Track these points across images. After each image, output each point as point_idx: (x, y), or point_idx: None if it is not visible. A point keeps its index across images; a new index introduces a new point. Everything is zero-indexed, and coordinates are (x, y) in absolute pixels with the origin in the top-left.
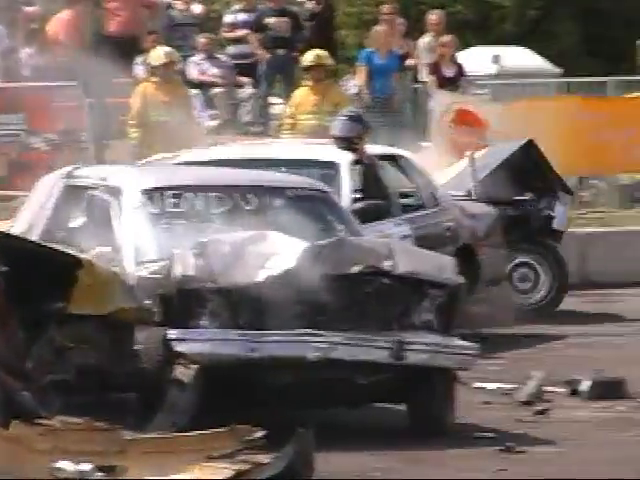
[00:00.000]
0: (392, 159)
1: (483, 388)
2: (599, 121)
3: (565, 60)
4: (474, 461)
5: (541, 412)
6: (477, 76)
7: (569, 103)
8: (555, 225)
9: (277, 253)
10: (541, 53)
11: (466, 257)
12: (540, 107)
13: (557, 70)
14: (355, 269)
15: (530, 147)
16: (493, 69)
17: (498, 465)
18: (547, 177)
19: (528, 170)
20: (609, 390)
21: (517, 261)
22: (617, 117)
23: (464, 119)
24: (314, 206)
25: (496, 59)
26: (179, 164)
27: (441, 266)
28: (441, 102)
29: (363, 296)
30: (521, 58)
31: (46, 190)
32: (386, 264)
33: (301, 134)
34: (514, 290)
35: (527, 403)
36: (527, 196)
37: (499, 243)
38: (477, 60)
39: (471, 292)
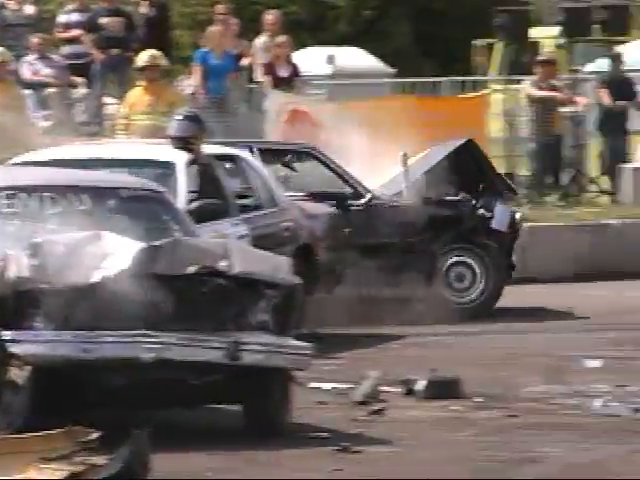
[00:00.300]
0: (230, 159)
1: (319, 388)
2: (433, 121)
3: (399, 60)
4: (310, 461)
5: (376, 412)
6: (312, 76)
7: (404, 103)
8: (494, 225)
9: (112, 254)
10: (376, 53)
11: (305, 257)
12: (375, 107)
13: (391, 70)
14: (190, 269)
15: (470, 147)
16: (328, 69)
17: (334, 465)
18: (488, 176)
19: (467, 170)
20: (444, 390)
21: (454, 260)
22: (451, 117)
23: (298, 119)
24: (149, 206)
25: (331, 59)
26: (15, 164)
27: (277, 266)
28: (276, 102)
29: (199, 296)
30: (356, 58)
31: None
32: (221, 264)
33: (136, 134)
34: (451, 289)
35: (363, 403)
36: (460, 196)
37: (339, 243)
38: (312, 60)
39: (310, 292)
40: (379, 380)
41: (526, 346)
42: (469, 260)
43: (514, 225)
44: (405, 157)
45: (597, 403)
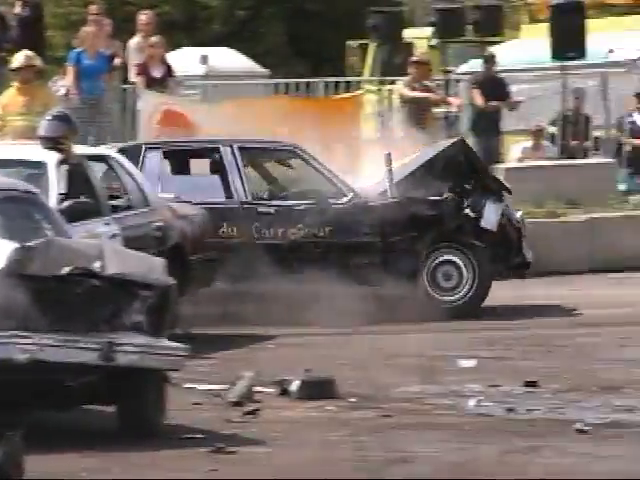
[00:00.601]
0: (102, 159)
1: (194, 389)
2: (307, 121)
3: (273, 60)
4: (185, 462)
5: (251, 412)
6: (186, 76)
7: (277, 103)
8: (483, 224)
9: None
10: (249, 53)
11: (177, 258)
12: (249, 107)
13: (265, 70)
14: (64, 270)
15: (461, 147)
16: (201, 70)
17: (209, 466)
18: (480, 176)
19: (459, 170)
20: (318, 390)
21: (442, 259)
22: (325, 117)
23: (171, 119)
24: (22, 207)
25: (204, 60)
26: None
27: (151, 267)
28: (149, 102)
29: (72, 297)
30: (229, 59)
31: None
32: (95, 265)
33: (10, 135)
34: (437, 288)
35: (237, 404)
36: (445, 196)
37: (210, 244)
38: (186, 60)
39: (182, 292)
40: (253, 381)
41: (401, 347)
42: (456, 259)
43: (516, 223)
44: (389, 156)
45: (471, 403)
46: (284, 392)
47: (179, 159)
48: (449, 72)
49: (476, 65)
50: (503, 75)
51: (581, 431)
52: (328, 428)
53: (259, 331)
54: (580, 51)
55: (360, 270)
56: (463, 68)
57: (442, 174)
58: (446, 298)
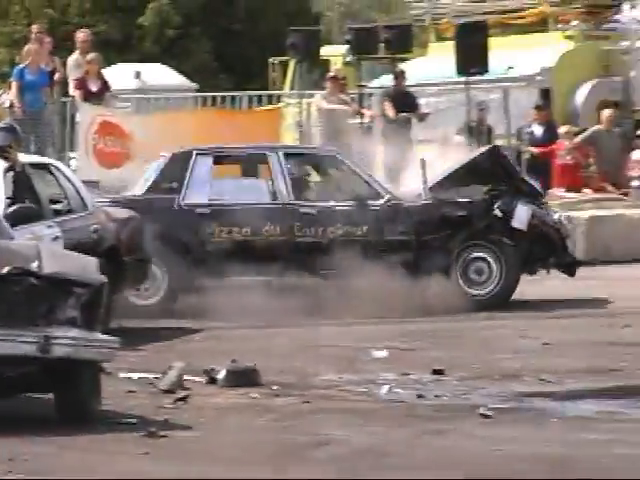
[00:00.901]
0: (45, 167)
1: (128, 378)
2: (232, 132)
3: (201, 76)
4: (119, 445)
5: (181, 399)
6: (120, 90)
7: (204, 116)
8: (514, 224)
9: None
10: (179, 69)
11: (112, 258)
12: (179, 119)
13: (194, 85)
14: (4, 270)
15: (495, 153)
16: (135, 84)
17: (142, 448)
18: (511, 180)
19: (490, 174)
20: (243, 378)
21: (474, 256)
22: (249, 128)
23: (108, 130)
24: None
25: (137, 75)
26: None
27: (85, 266)
28: (87, 114)
29: (12, 295)
30: (160, 74)
31: None
32: (33, 265)
33: None
34: (469, 282)
35: (169, 391)
36: (475, 198)
37: (142, 245)
38: (120, 76)
39: (116, 290)
40: (183, 370)
41: (321, 339)
42: (486, 256)
43: (554, 224)
44: (423, 162)
45: (384, 390)
46: (212, 380)
47: (228, 164)
48: (363, 86)
49: (387, 80)
50: (412, 89)
51: (484, 415)
52: (253, 414)
53: (187, 324)
54: (483, 67)
55: (395, 266)
56: (376, 83)
57: (476, 178)
58: (476, 291)
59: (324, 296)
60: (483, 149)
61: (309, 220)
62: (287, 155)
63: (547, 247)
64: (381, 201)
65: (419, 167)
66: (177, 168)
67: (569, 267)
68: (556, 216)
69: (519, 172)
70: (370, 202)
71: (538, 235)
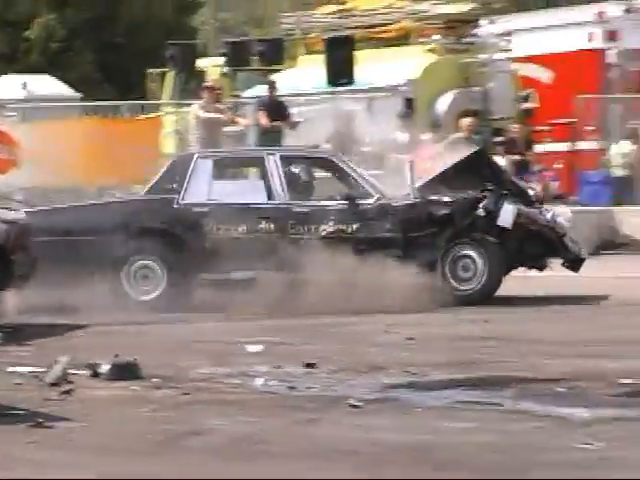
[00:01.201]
0: None
1: (15, 372)
2: (115, 139)
3: (85, 86)
4: (7, 435)
5: (66, 392)
6: (8, 100)
7: (89, 124)
8: (499, 222)
9: None
10: (64, 80)
11: (1, 257)
12: (64, 127)
13: (78, 95)
14: None
15: (482, 155)
16: (22, 94)
17: (29, 438)
18: (499, 180)
19: (478, 175)
20: (125, 372)
21: (460, 253)
22: (130, 136)
23: None
24: None
25: (24, 85)
26: None
27: None
28: None
29: None
30: (46, 85)
31: None
32: None
33: None
34: (456, 278)
35: (54, 384)
36: (459, 197)
37: (29, 245)
38: (8, 86)
39: (4, 287)
40: (68, 364)
41: (198, 334)
42: (472, 253)
43: (547, 223)
44: (411, 164)
45: (258, 382)
46: (95, 374)
47: (228, 166)
48: (238, 96)
49: (261, 90)
50: (284, 99)
51: (354, 406)
52: (134, 405)
53: (74, 320)
54: (350, 78)
55: (382, 262)
56: (250, 93)
57: (464, 179)
58: (462, 287)
59: (297, 291)
60: (472, 151)
61: (302, 218)
62: (283, 158)
63: (543, 245)
64: (371, 200)
65: (407, 169)
66: (179, 170)
67: (572, 263)
68: (549, 215)
69: (507, 174)
70: (361, 201)
71: (528, 233)
